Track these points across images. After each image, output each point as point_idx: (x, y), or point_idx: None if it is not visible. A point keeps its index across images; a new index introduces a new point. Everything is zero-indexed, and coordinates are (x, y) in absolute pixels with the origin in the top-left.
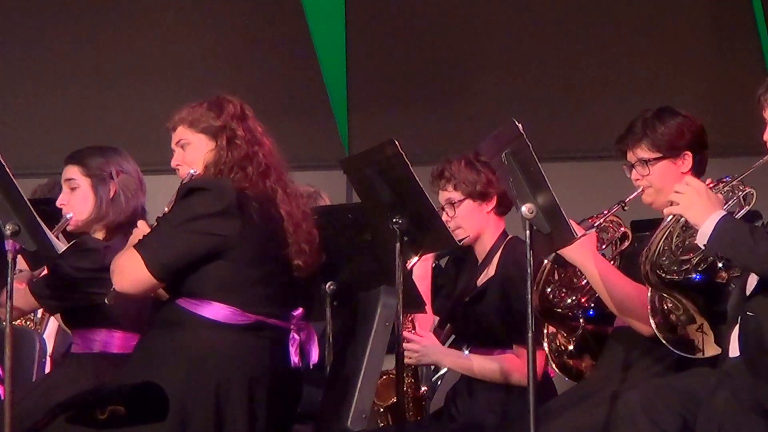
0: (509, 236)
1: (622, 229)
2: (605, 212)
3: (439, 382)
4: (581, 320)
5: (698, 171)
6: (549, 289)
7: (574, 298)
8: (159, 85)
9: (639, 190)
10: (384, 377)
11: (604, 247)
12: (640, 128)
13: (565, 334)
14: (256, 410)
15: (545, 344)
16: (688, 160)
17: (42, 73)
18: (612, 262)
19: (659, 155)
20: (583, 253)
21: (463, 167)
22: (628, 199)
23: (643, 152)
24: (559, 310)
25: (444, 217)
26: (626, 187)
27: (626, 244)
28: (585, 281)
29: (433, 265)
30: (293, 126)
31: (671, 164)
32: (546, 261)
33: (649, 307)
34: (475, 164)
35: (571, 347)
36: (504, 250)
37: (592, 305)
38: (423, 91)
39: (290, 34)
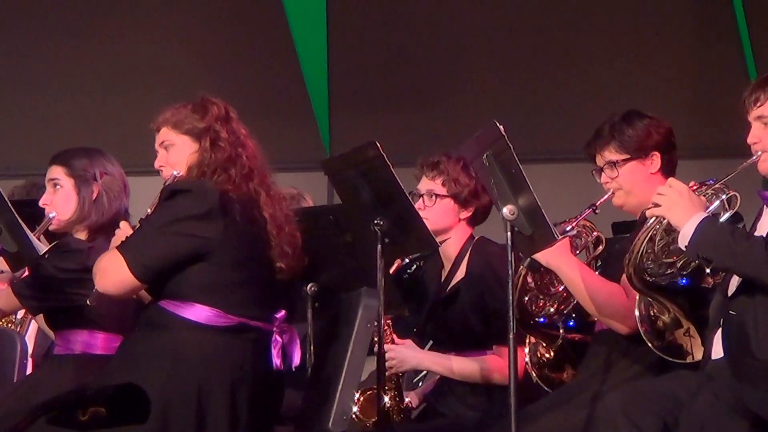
0: (476, 237)
1: (595, 233)
2: (577, 216)
3: (420, 383)
4: (561, 329)
5: (667, 171)
6: (527, 298)
7: (552, 306)
8: (142, 88)
9: (609, 193)
10: (368, 393)
11: (578, 252)
12: (607, 131)
13: (545, 345)
14: (238, 412)
15: (527, 355)
16: (656, 160)
17: (26, 77)
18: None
19: (627, 156)
20: (558, 256)
21: (460, 168)
22: (598, 203)
23: (612, 154)
24: (539, 320)
25: (418, 204)
26: (600, 191)
27: (600, 248)
28: (562, 288)
29: (413, 269)
30: (275, 127)
31: (639, 165)
32: (521, 267)
33: (636, 314)
34: (470, 170)
35: (551, 357)
36: (472, 252)
37: (573, 315)
38: (404, 93)
39: (272, 37)
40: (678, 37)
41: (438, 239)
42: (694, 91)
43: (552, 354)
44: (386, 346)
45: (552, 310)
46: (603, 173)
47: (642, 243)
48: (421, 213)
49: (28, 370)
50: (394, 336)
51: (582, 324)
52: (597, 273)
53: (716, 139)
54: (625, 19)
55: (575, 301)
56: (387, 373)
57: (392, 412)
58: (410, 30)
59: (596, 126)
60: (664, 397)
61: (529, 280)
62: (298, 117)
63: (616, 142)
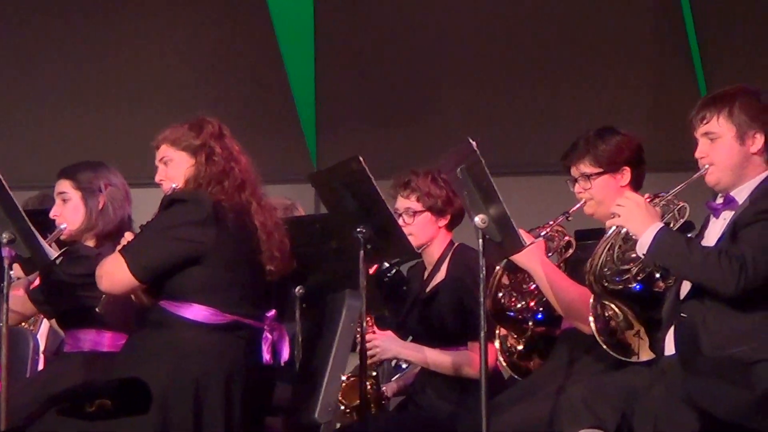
0: (456, 244)
1: (567, 238)
2: (551, 222)
3: (398, 378)
4: (530, 323)
5: (636, 185)
6: (501, 294)
7: (523, 302)
8: (142, 106)
9: (582, 203)
10: (350, 379)
11: (550, 254)
12: (582, 145)
13: (516, 336)
14: (233, 403)
15: (497, 344)
16: (626, 174)
17: (35, 94)
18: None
19: (600, 170)
20: (533, 258)
21: (429, 182)
22: (571, 210)
23: (586, 167)
24: (510, 314)
25: (400, 222)
26: (571, 200)
27: (570, 251)
28: (534, 286)
29: (393, 272)
30: (264, 142)
31: (611, 178)
32: (498, 267)
33: (591, 313)
34: (438, 181)
35: (520, 347)
36: (452, 257)
37: (541, 309)
38: (387, 109)
39: (263, 57)
40: (637, 61)
41: (424, 248)
42: (649, 108)
43: (521, 345)
44: (369, 336)
45: (523, 305)
46: (577, 184)
47: (602, 251)
48: (404, 230)
49: (40, 366)
50: (376, 328)
51: (550, 318)
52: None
53: (669, 154)
54: (589, 44)
55: (545, 299)
56: (369, 361)
57: (370, 400)
58: (393, 51)
59: (562, 142)
60: (622, 390)
61: (505, 278)
62: (287, 133)
63: (591, 156)
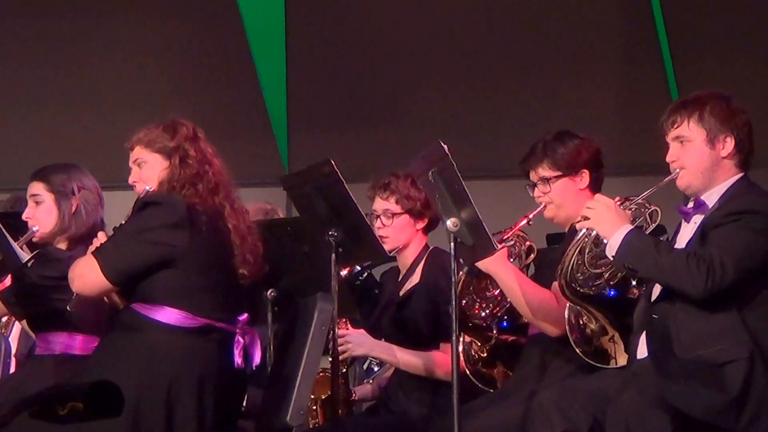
0: (430, 247)
1: (527, 243)
2: (512, 227)
3: (370, 381)
4: (494, 330)
5: (595, 188)
6: (465, 301)
7: (488, 310)
8: (115, 108)
9: (541, 206)
10: (319, 374)
11: (512, 259)
12: (541, 149)
13: (480, 343)
14: (205, 407)
15: (461, 353)
16: (585, 177)
17: (6, 97)
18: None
19: (559, 173)
20: (496, 263)
21: (409, 184)
22: (531, 215)
23: (545, 171)
24: (475, 322)
25: (377, 224)
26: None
27: (532, 257)
28: (498, 291)
29: (364, 276)
30: (236, 145)
31: (570, 181)
32: (461, 273)
33: (566, 324)
34: (417, 184)
35: (484, 355)
36: (427, 260)
37: (505, 317)
38: (359, 112)
39: (232, 57)
40: (608, 65)
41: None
42: (621, 112)
43: (485, 352)
44: (341, 331)
45: (487, 312)
46: (536, 188)
47: (573, 255)
48: (381, 231)
49: (12, 369)
50: (350, 325)
51: (514, 326)
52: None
53: (640, 158)
54: (560, 48)
55: (508, 305)
56: (341, 357)
57: (339, 399)
58: (365, 55)
59: (531, 145)
60: (594, 394)
61: (469, 285)
62: (258, 136)
63: (549, 160)
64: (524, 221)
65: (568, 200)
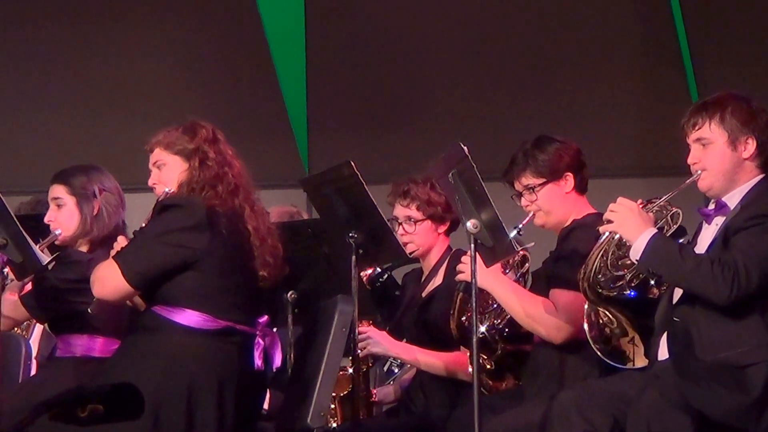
0: (453, 249)
1: (521, 252)
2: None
3: (391, 383)
4: (498, 342)
5: (580, 189)
6: (464, 318)
7: (488, 323)
8: (135, 110)
9: (531, 215)
10: (341, 372)
11: (507, 271)
12: (521, 159)
13: (486, 356)
14: (225, 409)
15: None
16: (570, 180)
17: (26, 100)
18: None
19: (543, 180)
20: (490, 278)
21: (428, 189)
22: (522, 224)
23: (528, 180)
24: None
25: (400, 231)
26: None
27: (527, 266)
28: (496, 304)
29: (385, 277)
30: (256, 147)
31: (555, 187)
32: (457, 290)
33: (585, 322)
34: (436, 188)
35: (492, 367)
36: (449, 262)
37: (507, 329)
38: (378, 113)
39: (254, 62)
40: (627, 63)
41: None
42: (641, 113)
43: (492, 364)
44: (362, 327)
45: (488, 325)
46: (522, 197)
47: (596, 258)
48: (404, 238)
49: (32, 371)
50: (373, 326)
51: (517, 335)
52: (527, 289)
53: (660, 159)
54: (580, 46)
55: (509, 316)
56: (360, 354)
57: (360, 398)
58: (384, 57)
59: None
60: (615, 396)
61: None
62: (278, 138)
63: (532, 168)
64: (515, 231)
65: (556, 205)
